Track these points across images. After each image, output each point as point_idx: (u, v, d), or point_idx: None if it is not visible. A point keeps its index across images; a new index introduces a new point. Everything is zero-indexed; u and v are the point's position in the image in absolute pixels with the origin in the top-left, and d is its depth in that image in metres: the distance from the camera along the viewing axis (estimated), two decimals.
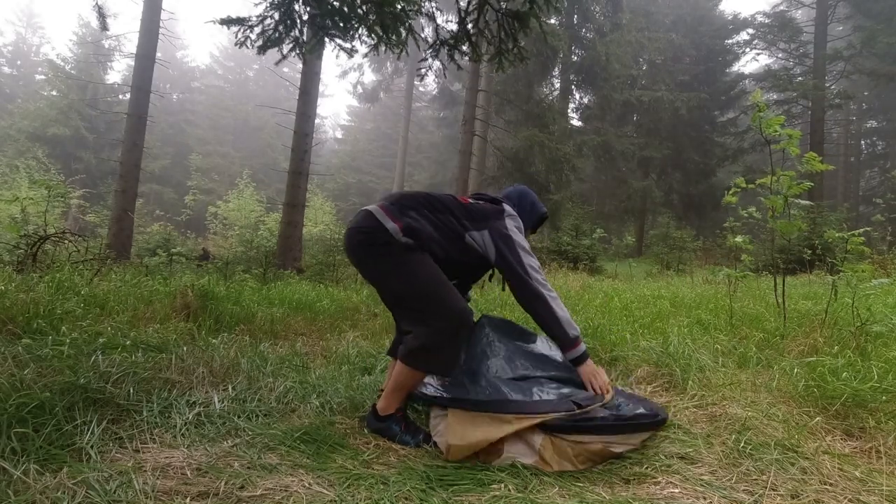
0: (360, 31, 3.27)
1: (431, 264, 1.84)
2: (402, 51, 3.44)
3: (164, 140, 29.78)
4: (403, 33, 3.29)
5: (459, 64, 3.83)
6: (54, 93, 25.38)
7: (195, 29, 68.02)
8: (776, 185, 3.04)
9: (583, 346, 1.89)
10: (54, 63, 25.61)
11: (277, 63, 3.54)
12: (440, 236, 1.88)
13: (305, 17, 3.21)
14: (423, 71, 4.16)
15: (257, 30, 3.23)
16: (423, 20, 3.83)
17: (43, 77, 28.80)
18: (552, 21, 14.46)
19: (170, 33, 10.34)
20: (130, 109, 9.51)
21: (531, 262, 1.91)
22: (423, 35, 3.69)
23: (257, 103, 31.91)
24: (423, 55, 3.86)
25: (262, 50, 3.30)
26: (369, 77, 28.50)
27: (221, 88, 36.43)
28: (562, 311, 1.88)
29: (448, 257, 1.89)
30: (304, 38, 3.34)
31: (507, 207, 2.02)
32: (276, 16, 3.15)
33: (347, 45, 3.38)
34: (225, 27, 3.28)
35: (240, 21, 3.21)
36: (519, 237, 1.95)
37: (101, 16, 4.83)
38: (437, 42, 3.63)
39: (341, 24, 3.13)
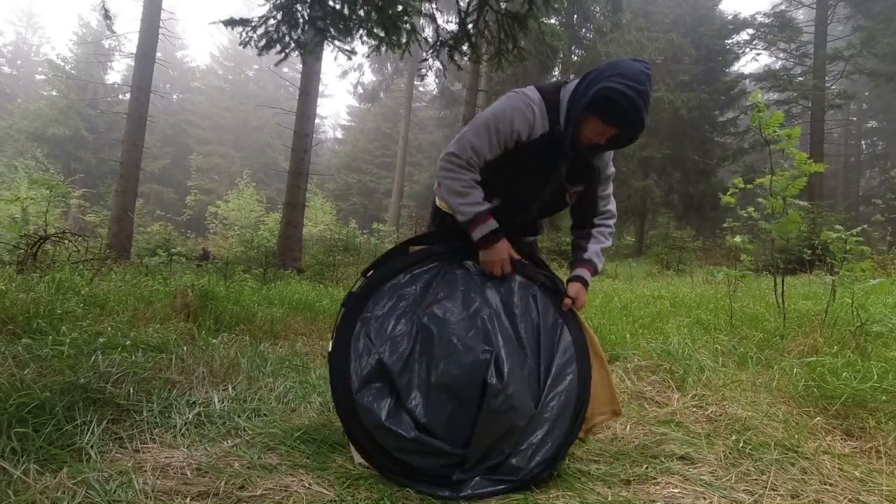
0: (360, 33, 3.29)
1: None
2: (404, 51, 3.45)
3: (164, 140, 29.79)
4: (405, 35, 3.30)
5: (459, 64, 3.83)
6: (54, 93, 25.40)
7: (195, 29, 68.09)
8: (774, 186, 3.05)
9: (487, 226, 1.61)
10: (54, 63, 25.64)
11: (278, 63, 3.55)
12: None
13: (307, 18, 3.22)
14: (423, 71, 4.17)
15: (260, 30, 3.24)
16: (423, 21, 3.84)
17: (43, 77, 28.80)
18: (552, 21, 14.47)
19: (170, 33, 10.35)
20: (130, 109, 9.52)
21: (469, 139, 1.59)
22: (423, 35, 3.70)
23: (257, 103, 31.92)
24: (424, 55, 3.87)
25: (265, 50, 3.31)
26: (369, 77, 28.49)
27: (221, 88, 36.39)
28: (457, 197, 1.61)
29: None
30: (306, 38, 3.35)
31: (524, 87, 1.68)
32: (279, 16, 3.16)
33: (347, 47, 3.39)
34: (225, 27, 3.29)
35: (243, 22, 3.23)
36: (488, 114, 1.60)
37: (107, 16, 4.84)
38: (438, 42, 3.64)
39: (341, 26, 3.14)
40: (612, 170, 1.80)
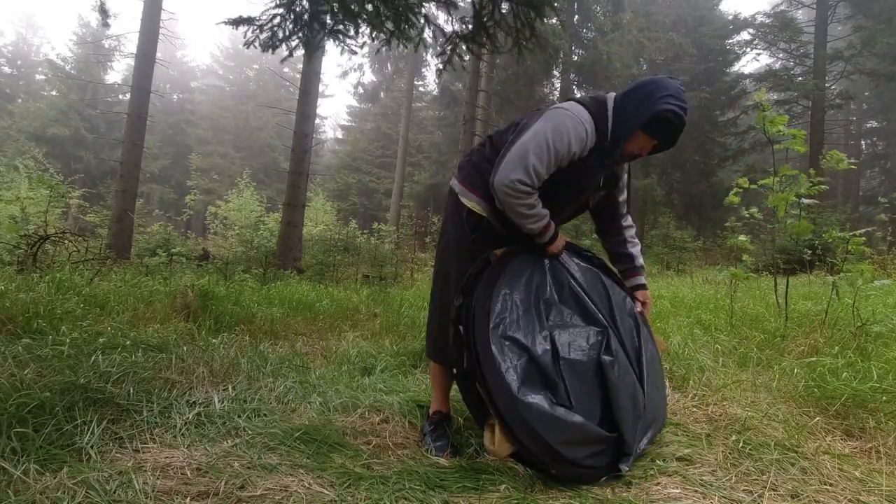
0: (368, 28, 3.24)
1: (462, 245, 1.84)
2: (417, 45, 3.41)
3: (164, 140, 29.77)
4: (417, 28, 3.26)
5: (478, 54, 3.78)
6: (54, 93, 25.40)
7: (195, 29, 67.87)
8: (785, 184, 3.03)
9: (550, 231, 1.75)
10: (54, 63, 25.62)
11: (284, 60, 3.52)
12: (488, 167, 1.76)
13: (314, 15, 3.19)
14: (438, 67, 4.09)
15: (266, 28, 3.21)
16: (437, 11, 3.73)
17: (43, 77, 28.79)
18: (553, 21, 14.48)
19: (170, 33, 10.34)
20: (130, 109, 9.52)
21: (533, 164, 1.60)
22: (436, 26, 3.65)
23: (257, 103, 31.87)
24: (441, 49, 3.80)
25: (272, 50, 3.28)
26: (369, 77, 28.43)
27: (221, 88, 36.36)
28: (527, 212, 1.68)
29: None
30: (312, 35, 3.31)
31: (565, 103, 1.70)
32: (283, 13, 3.13)
33: (355, 43, 3.35)
34: (225, 27, 3.27)
35: (248, 21, 3.19)
36: (548, 135, 1.61)
37: (104, 12, 4.81)
38: (454, 34, 3.57)
39: (349, 22, 3.11)
40: (626, 174, 1.94)
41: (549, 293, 1.71)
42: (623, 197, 1.95)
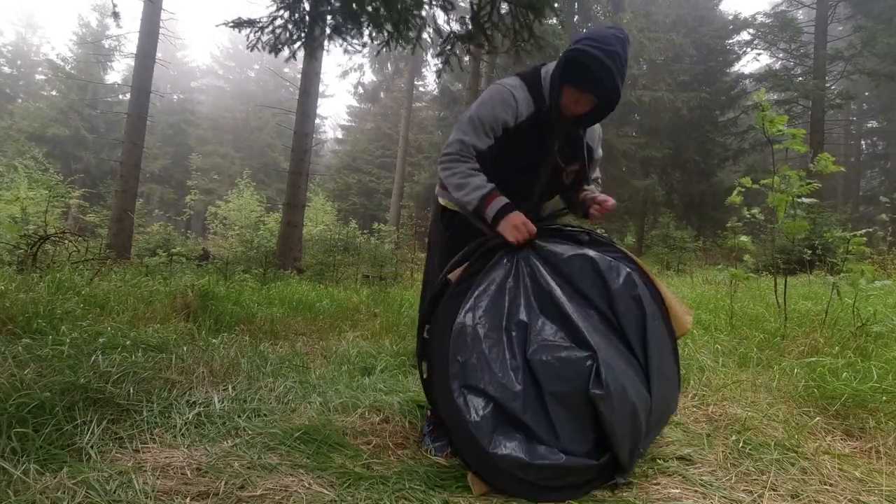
0: (370, 30, 3.24)
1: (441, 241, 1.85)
2: (414, 46, 3.42)
3: (164, 140, 29.75)
4: (415, 29, 3.27)
5: (476, 55, 3.80)
6: (54, 93, 25.39)
7: (195, 29, 67.78)
8: (784, 184, 3.03)
9: (497, 203, 1.61)
10: (54, 63, 25.60)
11: (287, 60, 3.52)
12: None
13: (315, 16, 3.19)
14: (437, 67, 4.09)
15: (268, 31, 3.21)
16: (436, 11, 3.72)
17: (43, 77, 28.77)
18: (553, 21, 14.49)
19: (170, 33, 10.35)
20: (130, 109, 9.52)
21: (456, 137, 1.65)
22: (435, 27, 3.65)
23: (257, 103, 31.85)
24: (438, 48, 3.79)
25: (274, 52, 3.27)
26: (370, 77, 28.46)
27: (222, 88, 36.37)
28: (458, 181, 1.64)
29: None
30: (313, 37, 3.31)
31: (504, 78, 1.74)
32: (286, 16, 3.13)
33: (357, 41, 3.35)
34: (227, 28, 3.27)
35: (249, 23, 3.19)
36: (471, 108, 1.69)
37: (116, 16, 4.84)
38: (451, 35, 3.57)
39: (350, 24, 3.11)
40: (600, 153, 1.89)
41: (524, 312, 1.53)
42: (594, 175, 1.90)
